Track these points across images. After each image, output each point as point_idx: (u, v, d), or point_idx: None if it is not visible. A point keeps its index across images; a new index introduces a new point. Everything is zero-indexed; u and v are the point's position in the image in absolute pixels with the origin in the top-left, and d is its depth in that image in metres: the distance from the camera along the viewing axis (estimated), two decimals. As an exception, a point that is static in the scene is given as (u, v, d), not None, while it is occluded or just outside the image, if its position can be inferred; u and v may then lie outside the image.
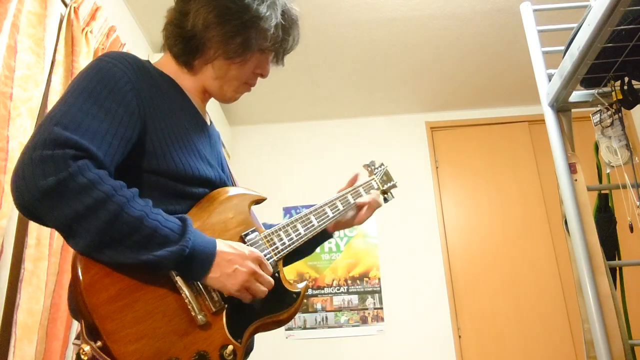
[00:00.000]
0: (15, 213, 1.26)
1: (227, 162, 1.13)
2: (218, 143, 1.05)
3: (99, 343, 0.68)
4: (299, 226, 1.02)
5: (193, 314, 0.76)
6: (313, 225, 1.05)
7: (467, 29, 2.60)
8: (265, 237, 0.95)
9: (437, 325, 2.99)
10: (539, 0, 1.79)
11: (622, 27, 1.16)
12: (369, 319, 3.03)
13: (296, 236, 1.00)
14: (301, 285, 0.97)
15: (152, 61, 0.98)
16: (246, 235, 0.91)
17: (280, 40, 1.00)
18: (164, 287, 0.76)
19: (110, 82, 0.80)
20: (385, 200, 1.35)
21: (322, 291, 3.10)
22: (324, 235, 1.16)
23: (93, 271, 0.70)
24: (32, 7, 1.37)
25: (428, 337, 2.97)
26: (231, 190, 0.94)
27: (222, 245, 0.81)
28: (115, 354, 0.68)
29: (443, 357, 2.92)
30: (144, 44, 2.47)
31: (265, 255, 0.91)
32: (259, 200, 0.98)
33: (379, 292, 3.09)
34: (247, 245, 0.90)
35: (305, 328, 3.02)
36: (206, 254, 0.78)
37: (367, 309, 3.05)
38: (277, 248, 0.95)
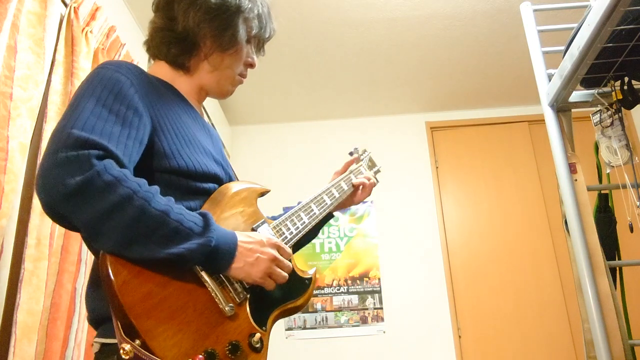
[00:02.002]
0: (15, 213, 1.26)
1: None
2: (219, 141, 1.09)
3: (137, 341, 0.69)
4: (302, 215, 1.08)
5: (220, 306, 0.79)
6: (315, 213, 1.11)
7: (467, 29, 2.60)
8: (274, 227, 0.98)
9: (437, 325, 2.99)
10: (539, 0, 1.79)
11: (622, 27, 1.16)
12: (369, 319, 3.03)
13: (301, 225, 1.05)
14: (311, 272, 1.02)
15: (147, 65, 1.00)
16: (257, 227, 0.94)
17: (263, 29, 1.08)
18: (190, 283, 0.78)
19: (115, 87, 0.82)
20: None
21: (322, 291, 3.10)
22: (326, 218, 1.21)
23: (124, 273, 0.71)
24: (32, 7, 1.37)
25: (428, 337, 2.97)
26: (238, 185, 0.97)
27: (241, 236, 0.84)
28: (155, 351, 0.69)
29: (443, 357, 2.92)
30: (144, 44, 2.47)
31: None
32: (263, 193, 1.02)
33: (379, 292, 3.09)
34: None
35: (305, 328, 3.02)
36: (229, 245, 0.80)
37: (367, 309, 3.05)
38: (286, 237, 0.99)
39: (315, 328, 3.02)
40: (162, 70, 1.02)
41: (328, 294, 3.09)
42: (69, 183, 0.67)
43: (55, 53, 1.52)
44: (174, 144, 0.87)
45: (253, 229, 0.93)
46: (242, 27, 1.01)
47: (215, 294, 0.79)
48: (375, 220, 3.26)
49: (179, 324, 0.73)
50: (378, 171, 1.43)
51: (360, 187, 1.28)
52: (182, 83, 1.02)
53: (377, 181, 1.40)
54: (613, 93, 1.36)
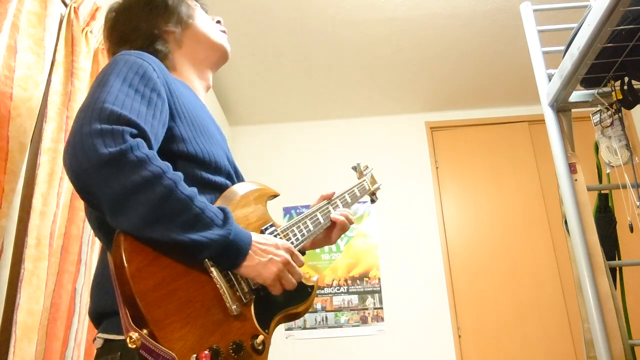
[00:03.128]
0: (16, 213, 1.26)
1: None
2: (225, 138, 1.09)
3: (144, 331, 0.68)
4: (308, 222, 1.06)
5: (227, 304, 0.78)
6: (319, 222, 1.10)
7: (467, 29, 2.60)
8: (282, 231, 0.98)
9: (437, 325, 2.99)
10: (539, 0, 1.79)
11: (622, 27, 1.16)
12: (369, 319, 3.03)
13: (307, 232, 1.04)
14: (314, 279, 1.01)
15: None
16: (266, 229, 0.93)
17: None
18: (200, 277, 0.77)
19: (140, 70, 0.83)
20: (372, 201, 1.40)
21: (322, 291, 3.10)
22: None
23: (138, 259, 0.70)
24: (32, 7, 1.37)
25: (428, 337, 2.97)
26: (250, 185, 0.98)
27: (256, 236, 0.83)
28: (162, 342, 0.68)
29: (443, 357, 2.92)
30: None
31: None
32: (274, 196, 1.03)
33: (379, 292, 3.09)
34: None
35: (305, 328, 3.02)
36: (244, 242, 0.80)
37: (367, 309, 3.05)
38: (292, 243, 0.98)
39: (315, 328, 3.02)
40: None
41: (328, 294, 3.09)
42: (103, 152, 0.67)
43: (55, 53, 1.51)
44: (191, 131, 0.88)
45: (262, 231, 0.92)
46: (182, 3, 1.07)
47: (224, 291, 0.78)
48: (375, 220, 3.26)
49: (187, 317, 0.72)
50: (378, 188, 1.41)
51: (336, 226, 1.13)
52: (186, 78, 1.05)
53: (376, 199, 1.39)
54: (613, 93, 1.36)
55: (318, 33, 2.56)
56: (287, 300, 0.92)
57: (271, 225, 0.95)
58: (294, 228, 1.02)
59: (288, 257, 0.85)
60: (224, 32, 1.14)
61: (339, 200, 1.19)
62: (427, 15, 2.48)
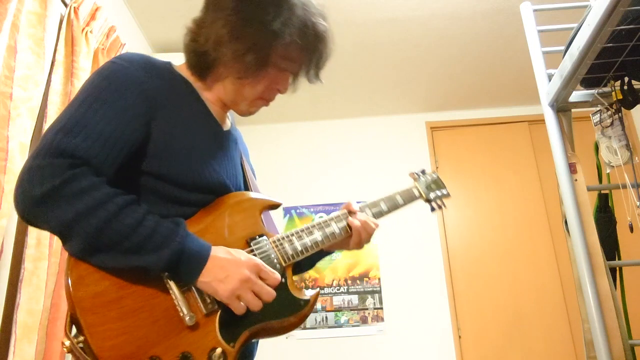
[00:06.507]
0: (16, 213, 1.26)
1: (250, 166, 1.09)
2: (234, 149, 1.00)
3: (81, 337, 0.69)
4: (315, 231, 0.98)
5: (181, 314, 0.76)
6: (332, 231, 1.00)
7: (467, 29, 2.60)
8: (274, 242, 0.92)
9: (437, 325, 2.99)
10: (539, 0, 1.79)
11: (622, 27, 1.16)
12: (369, 319, 3.03)
13: (311, 242, 0.96)
14: (310, 293, 0.92)
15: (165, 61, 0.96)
16: (252, 239, 0.89)
17: (297, 59, 0.95)
18: (154, 287, 0.76)
19: (119, 85, 0.80)
20: (433, 209, 1.28)
21: (322, 291, 3.10)
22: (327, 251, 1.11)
23: (83, 266, 0.72)
24: (32, 7, 1.37)
25: (428, 337, 2.97)
26: (242, 195, 0.93)
27: (218, 251, 0.79)
28: (93, 348, 0.69)
29: (443, 357, 2.92)
30: (144, 44, 2.47)
31: (271, 260, 0.89)
32: (273, 206, 0.96)
33: (379, 292, 3.09)
34: (254, 250, 0.88)
35: (305, 328, 3.02)
36: (198, 258, 0.77)
37: (367, 309, 3.05)
38: (286, 253, 0.92)
39: (315, 328, 3.02)
40: (187, 72, 0.95)
41: (328, 294, 3.09)
42: (36, 191, 0.69)
43: (55, 53, 1.52)
44: (171, 147, 0.83)
45: (247, 242, 0.88)
46: (268, 55, 0.88)
47: (177, 301, 0.76)
48: (375, 220, 3.25)
49: (126, 326, 0.72)
50: (445, 195, 1.27)
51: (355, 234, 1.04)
52: (200, 89, 0.95)
53: (441, 206, 1.24)
54: (613, 93, 1.36)
55: (318, 33, 2.56)
56: (269, 314, 0.85)
57: (260, 236, 0.90)
58: (293, 237, 0.94)
59: (250, 274, 0.79)
60: (265, 103, 1.01)
61: (369, 207, 1.09)
62: (427, 16, 2.48)
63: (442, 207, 1.27)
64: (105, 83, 0.80)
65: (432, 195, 1.26)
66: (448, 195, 1.29)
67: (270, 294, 0.81)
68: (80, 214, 0.70)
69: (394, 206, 1.15)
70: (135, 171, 0.82)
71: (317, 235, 0.98)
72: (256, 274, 0.81)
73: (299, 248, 0.94)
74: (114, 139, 0.77)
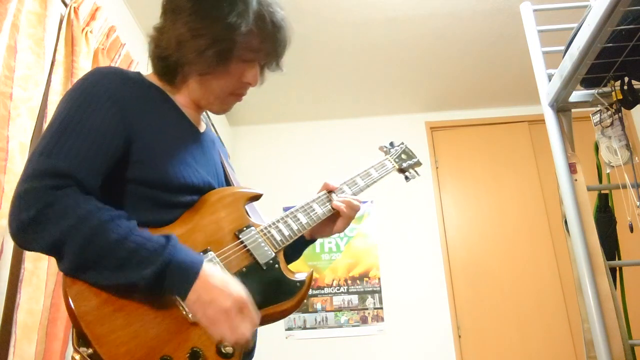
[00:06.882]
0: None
1: (229, 165, 1.12)
2: (212, 149, 1.03)
3: (90, 350, 0.69)
4: (300, 215, 1.01)
5: (184, 312, 0.76)
6: (316, 213, 1.04)
7: (467, 29, 2.60)
8: (262, 231, 0.94)
9: (437, 325, 2.99)
10: (539, 0, 1.79)
11: (622, 27, 1.16)
12: (369, 319, 3.03)
13: (298, 226, 0.99)
14: (302, 275, 0.94)
15: (147, 71, 0.98)
16: (240, 231, 0.91)
17: (259, 49, 0.96)
18: None
19: (93, 99, 0.82)
20: (407, 178, 1.31)
21: (322, 291, 3.10)
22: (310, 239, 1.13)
23: (79, 282, 0.73)
24: (32, 7, 1.37)
25: (428, 337, 2.97)
26: (223, 191, 0.94)
27: (208, 269, 0.77)
28: (105, 357, 0.69)
29: (443, 357, 2.92)
30: (144, 44, 2.47)
31: (262, 248, 0.91)
32: (254, 197, 0.98)
33: (379, 292, 3.09)
34: (244, 241, 0.89)
35: (305, 328, 3.02)
36: (186, 276, 0.75)
37: (367, 309, 3.05)
38: (275, 240, 0.94)
39: (315, 328, 3.02)
40: (156, 79, 0.97)
41: (328, 294, 3.09)
42: (22, 217, 0.71)
43: (55, 53, 1.52)
44: (153, 154, 0.85)
45: (235, 235, 0.89)
46: (229, 49, 0.90)
47: (179, 300, 0.76)
48: (375, 220, 3.26)
49: (135, 330, 0.72)
50: (417, 164, 1.28)
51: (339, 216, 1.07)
52: (172, 94, 0.97)
53: (415, 175, 1.28)
54: (613, 93, 1.36)
55: (318, 33, 2.56)
56: (268, 299, 0.87)
57: (248, 227, 0.92)
58: (279, 224, 0.97)
59: (231, 306, 0.76)
60: (238, 98, 1.03)
61: (347, 185, 1.12)
62: (427, 15, 2.48)
63: (416, 175, 1.31)
64: (81, 99, 0.82)
65: (404, 165, 1.29)
66: (419, 163, 1.33)
67: (244, 334, 0.77)
68: (65, 233, 0.71)
69: (370, 181, 1.18)
70: (122, 180, 0.84)
71: (302, 219, 1.01)
72: (239, 309, 0.77)
73: (286, 233, 0.97)
74: (93, 151, 0.78)
